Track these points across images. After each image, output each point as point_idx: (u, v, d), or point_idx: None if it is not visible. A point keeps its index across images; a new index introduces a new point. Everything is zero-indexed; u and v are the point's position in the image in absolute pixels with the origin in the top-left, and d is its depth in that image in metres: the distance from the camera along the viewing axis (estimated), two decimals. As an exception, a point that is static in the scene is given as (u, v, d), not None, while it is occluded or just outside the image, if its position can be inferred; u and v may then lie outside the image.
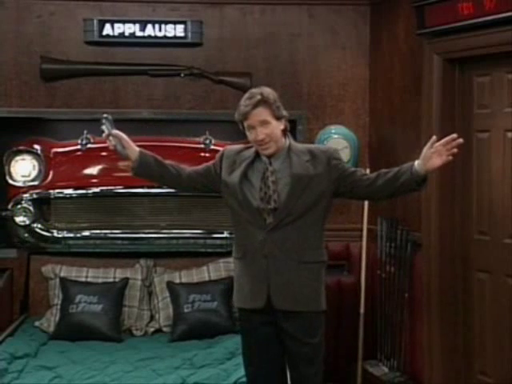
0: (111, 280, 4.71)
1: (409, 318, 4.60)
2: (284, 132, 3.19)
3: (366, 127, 5.16)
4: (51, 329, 4.57)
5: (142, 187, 4.75)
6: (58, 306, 4.61)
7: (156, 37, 4.97)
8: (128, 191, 4.78)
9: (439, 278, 4.37)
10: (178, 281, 4.72)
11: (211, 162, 3.35)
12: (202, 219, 4.88)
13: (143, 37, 4.96)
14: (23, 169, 4.75)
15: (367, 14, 5.12)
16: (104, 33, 4.93)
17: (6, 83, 4.95)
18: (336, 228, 5.00)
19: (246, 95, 3.16)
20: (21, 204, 4.72)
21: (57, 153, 4.90)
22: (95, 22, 4.93)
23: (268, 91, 3.15)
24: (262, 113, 3.11)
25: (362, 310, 4.87)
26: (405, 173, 3.10)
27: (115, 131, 3.18)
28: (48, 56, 4.95)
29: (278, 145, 3.16)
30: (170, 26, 4.97)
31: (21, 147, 4.77)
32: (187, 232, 4.87)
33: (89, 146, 4.87)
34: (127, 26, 4.95)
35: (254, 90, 3.18)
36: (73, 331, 4.46)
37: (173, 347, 4.32)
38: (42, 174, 4.76)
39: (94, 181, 4.83)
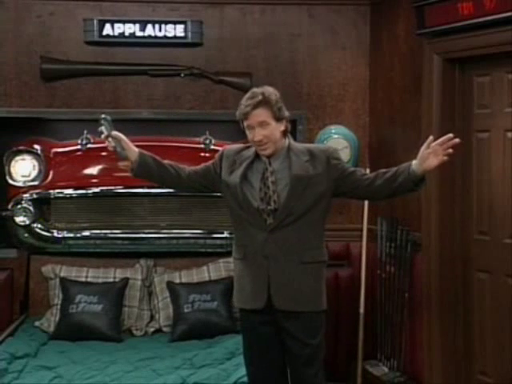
0: (111, 280, 4.71)
1: (409, 317, 4.60)
2: (284, 133, 3.19)
3: (366, 127, 5.16)
4: (51, 329, 4.57)
5: (142, 187, 4.75)
6: (58, 306, 4.61)
7: (156, 37, 4.97)
8: (128, 191, 4.78)
9: (439, 277, 4.37)
10: (178, 281, 4.72)
11: (210, 162, 3.35)
12: (202, 219, 4.88)
13: (143, 37, 4.96)
14: (23, 169, 4.75)
15: (367, 14, 5.12)
16: (104, 33, 4.93)
17: (6, 83, 4.95)
18: (336, 228, 5.00)
19: (248, 95, 3.15)
20: (21, 204, 4.72)
21: (57, 153, 4.90)
22: (95, 22, 4.93)
23: (270, 91, 3.14)
24: (262, 114, 3.11)
25: (361, 310, 4.87)
26: (402, 173, 3.11)
27: (114, 132, 3.17)
28: (48, 56, 4.95)
29: (276, 146, 3.16)
30: (170, 26, 4.97)
31: (21, 147, 4.77)
32: (187, 232, 4.87)
33: (89, 145, 4.87)
34: (127, 26, 4.95)
35: (255, 90, 3.17)
36: (73, 331, 4.46)
37: (173, 347, 4.32)
38: (42, 174, 4.76)
39: (94, 181, 4.83)
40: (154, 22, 4.96)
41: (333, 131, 5.00)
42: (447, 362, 4.37)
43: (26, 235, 4.81)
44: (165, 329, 4.64)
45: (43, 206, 4.80)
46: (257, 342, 3.26)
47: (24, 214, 4.72)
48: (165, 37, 4.97)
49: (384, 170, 3.18)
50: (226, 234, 4.82)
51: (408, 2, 4.44)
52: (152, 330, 4.67)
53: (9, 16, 4.94)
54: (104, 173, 4.85)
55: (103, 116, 3.16)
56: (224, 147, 3.40)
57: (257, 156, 3.21)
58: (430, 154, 3.04)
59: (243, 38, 5.08)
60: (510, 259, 4.03)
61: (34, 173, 4.76)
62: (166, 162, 3.32)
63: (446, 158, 3.04)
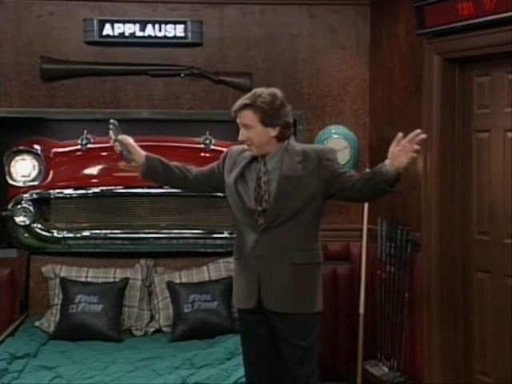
0: (111, 280, 4.71)
1: (409, 317, 4.60)
2: (278, 137, 3.16)
3: (366, 127, 5.16)
4: (51, 329, 4.57)
5: (141, 187, 4.75)
6: (58, 306, 4.61)
7: (156, 37, 4.97)
8: (128, 191, 4.78)
9: (439, 278, 4.37)
10: (178, 281, 4.72)
11: (216, 163, 3.37)
12: (202, 219, 4.88)
13: (143, 37, 4.96)
14: (23, 169, 4.75)
15: (367, 14, 5.12)
16: (104, 33, 4.93)
17: (6, 83, 4.95)
18: (336, 228, 5.02)
19: (248, 93, 3.18)
20: (21, 204, 4.72)
21: (57, 153, 4.90)
22: (95, 22, 4.92)
23: (265, 96, 3.12)
24: (247, 116, 3.12)
25: (361, 310, 4.87)
26: (377, 173, 3.05)
27: (121, 136, 3.22)
28: (48, 56, 4.95)
29: (262, 149, 3.15)
30: (169, 26, 4.97)
31: (21, 147, 4.77)
32: (187, 232, 4.87)
33: (89, 146, 4.88)
34: (127, 26, 4.94)
35: (255, 90, 3.18)
36: (73, 331, 4.46)
37: (173, 347, 4.33)
38: (42, 174, 4.76)
39: (94, 181, 4.83)
40: (154, 22, 4.96)
41: (333, 131, 5.00)
42: (447, 362, 4.37)
43: (26, 235, 4.81)
44: (165, 329, 4.64)
45: (43, 206, 4.80)
46: (253, 342, 3.28)
47: (24, 214, 4.72)
48: (165, 37, 4.97)
49: (368, 171, 3.16)
50: (225, 234, 4.82)
51: (408, 2, 4.44)
52: (152, 330, 4.67)
53: (9, 16, 4.94)
54: (104, 173, 4.85)
55: (111, 121, 3.22)
56: (229, 148, 3.39)
57: (254, 157, 3.22)
58: (401, 152, 2.97)
59: (243, 38, 5.08)
60: (510, 259, 4.03)
61: (34, 173, 4.76)
62: (173, 163, 3.34)
63: (414, 154, 2.97)
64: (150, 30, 4.95)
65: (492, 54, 3.97)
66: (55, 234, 4.81)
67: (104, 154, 4.92)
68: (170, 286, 4.66)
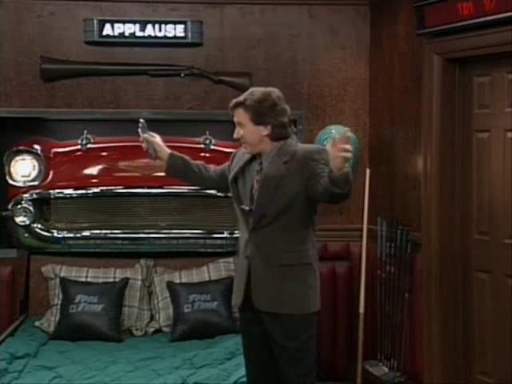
0: (111, 280, 4.71)
1: (409, 318, 4.60)
2: (270, 136, 3.15)
3: (366, 127, 5.16)
4: (51, 329, 4.57)
5: (142, 187, 4.76)
6: (58, 306, 4.61)
7: (156, 37, 4.96)
8: (128, 191, 4.78)
9: (439, 278, 4.37)
10: (178, 281, 4.72)
11: (227, 163, 3.42)
12: (202, 219, 4.88)
13: (143, 37, 4.96)
14: (23, 169, 4.75)
15: (367, 14, 5.12)
16: (104, 33, 4.92)
17: (6, 83, 4.94)
18: (336, 228, 5.03)
19: (246, 92, 3.22)
20: (21, 204, 4.72)
21: (57, 153, 4.90)
22: (95, 21, 4.92)
23: (257, 95, 3.14)
24: (240, 115, 3.17)
25: (361, 310, 4.87)
26: (328, 178, 2.93)
27: (146, 136, 3.39)
28: (48, 56, 4.95)
29: (255, 148, 3.18)
30: (169, 26, 4.96)
31: (21, 147, 4.77)
32: (187, 232, 4.87)
33: (89, 146, 4.88)
34: (127, 26, 4.94)
35: (252, 89, 3.21)
36: (73, 331, 4.46)
37: (173, 347, 4.33)
38: (42, 174, 4.76)
39: (94, 181, 4.83)
40: (154, 22, 4.96)
41: (333, 131, 5.00)
42: (447, 361, 4.37)
43: (26, 235, 4.81)
44: (165, 329, 4.64)
45: (43, 206, 4.80)
46: (251, 342, 3.29)
47: (24, 214, 4.72)
48: (165, 37, 4.97)
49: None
50: (226, 234, 4.82)
51: (408, 2, 4.44)
52: (152, 330, 4.67)
53: (9, 16, 4.94)
54: (104, 173, 4.85)
55: (141, 120, 3.42)
56: (238, 149, 3.39)
57: (253, 155, 3.24)
58: (335, 153, 2.83)
59: (243, 38, 5.08)
60: (510, 259, 4.03)
61: (34, 173, 4.76)
62: (195, 162, 3.47)
63: (347, 154, 2.79)
64: (149, 30, 4.95)
65: (492, 54, 3.98)
66: (55, 234, 4.81)
67: (104, 153, 4.93)
68: (170, 286, 4.66)
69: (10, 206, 4.74)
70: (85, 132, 4.89)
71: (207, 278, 4.75)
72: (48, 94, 4.98)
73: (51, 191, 4.75)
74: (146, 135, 3.39)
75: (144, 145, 3.41)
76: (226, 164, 3.42)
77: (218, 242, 4.87)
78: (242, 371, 3.57)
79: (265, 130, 3.15)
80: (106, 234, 4.83)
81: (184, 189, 4.71)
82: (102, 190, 4.77)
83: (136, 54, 5.02)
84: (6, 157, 4.74)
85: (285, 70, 5.10)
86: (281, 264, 3.14)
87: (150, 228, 4.86)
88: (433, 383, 4.39)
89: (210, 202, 4.74)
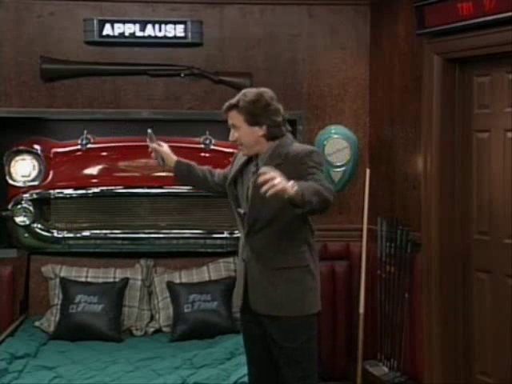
0: (111, 280, 4.71)
1: (409, 317, 4.60)
2: (266, 136, 3.14)
3: (366, 127, 5.16)
4: (51, 329, 4.57)
5: (142, 187, 4.76)
6: (58, 306, 4.61)
7: (156, 37, 4.96)
8: (128, 191, 4.78)
9: (439, 278, 4.37)
10: (178, 281, 4.72)
11: (229, 167, 3.42)
12: (202, 219, 4.88)
13: (143, 37, 4.96)
14: (23, 169, 4.75)
15: (367, 14, 5.12)
16: (104, 33, 4.92)
17: (6, 83, 4.94)
18: (336, 228, 5.02)
19: (238, 94, 3.21)
20: (21, 204, 4.72)
21: (57, 153, 4.90)
22: (95, 21, 4.92)
23: (250, 96, 3.12)
24: (234, 117, 3.16)
25: (361, 310, 4.87)
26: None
27: (155, 145, 3.43)
28: (48, 56, 4.94)
29: (251, 149, 3.17)
30: (169, 26, 4.96)
31: (21, 147, 4.77)
32: (187, 232, 4.87)
33: (89, 146, 4.88)
34: (127, 26, 4.94)
35: (244, 91, 3.20)
36: (73, 331, 4.47)
37: (173, 347, 4.33)
38: (42, 174, 4.76)
39: (94, 181, 4.83)
40: (154, 22, 4.95)
41: (333, 131, 5.00)
42: (447, 361, 4.37)
43: (26, 235, 4.81)
44: (165, 329, 4.64)
45: (43, 206, 4.80)
46: (252, 342, 3.28)
47: (24, 214, 4.72)
48: (165, 37, 4.97)
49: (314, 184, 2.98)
50: (226, 234, 4.82)
51: (408, 2, 4.44)
52: (152, 330, 4.67)
53: (9, 16, 4.93)
54: (104, 173, 4.85)
55: (148, 130, 3.46)
56: (238, 151, 3.38)
57: (250, 157, 3.23)
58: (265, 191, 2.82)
59: (243, 38, 5.08)
60: (510, 259, 4.03)
61: (34, 173, 4.76)
62: (200, 167, 3.48)
63: (277, 187, 2.74)
64: (149, 30, 4.95)
65: (492, 54, 3.98)
66: (55, 234, 4.81)
67: (104, 153, 4.93)
68: (170, 286, 4.66)
69: (10, 206, 4.74)
70: (85, 132, 4.89)
71: (207, 278, 4.75)
72: (48, 94, 4.98)
73: (51, 191, 4.75)
74: (154, 145, 3.44)
75: (153, 154, 3.46)
76: (228, 168, 3.42)
77: (218, 242, 4.87)
78: (242, 371, 3.58)
79: (260, 131, 3.14)
80: (106, 234, 4.83)
81: (184, 189, 4.71)
82: (101, 190, 4.77)
83: (136, 54, 5.02)
84: (5, 157, 4.75)
85: (285, 70, 5.10)
86: (276, 267, 3.12)
87: (150, 228, 4.86)
88: (433, 383, 4.39)
89: (210, 202, 4.73)
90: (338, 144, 4.95)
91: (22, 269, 4.94)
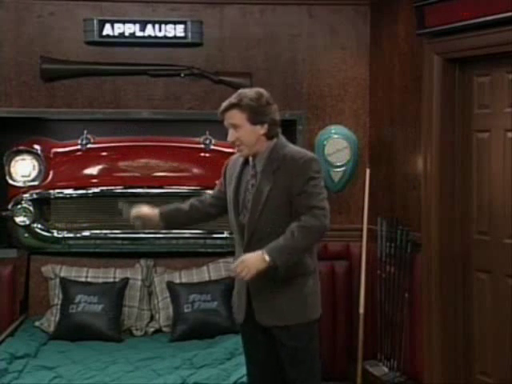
0: (111, 280, 4.71)
1: (409, 317, 4.60)
2: (267, 135, 3.14)
3: (366, 127, 5.16)
4: (51, 329, 4.57)
5: (142, 187, 4.75)
6: (58, 306, 4.62)
7: (156, 37, 4.96)
8: (128, 191, 4.78)
9: (439, 278, 4.37)
10: (178, 281, 4.72)
11: (218, 182, 3.38)
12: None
13: (143, 37, 4.96)
14: (23, 169, 4.75)
15: (367, 14, 5.12)
16: (104, 33, 4.92)
17: (6, 83, 4.94)
18: (336, 228, 4.98)
19: (233, 95, 3.16)
20: (21, 204, 4.72)
21: (57, 153, 4.90)
22: (95, 21, 4.92)
23: (250, 94, 3.11)
24: (234, 116, 3.10)
25: (361, 310, 4.87)
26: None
27: (133, 215, 3.40)
28: (48, 56, 4.94)
29: (252, 149, 3.13)
30: (169, 26, 4.96)
31: (21, 147, 4.77)
32: (187, 232, 4.86)
33: (89, 146, 4.88)
34: (127, 26, 4.94)
35: (240, 91, 3.17)
36: (73, 331, 4.47)
37: (173, 347, 4.33)
38: (42, 174, 4.76)
39: (94, 181, 4.83)
40: (154, 22, 4.95)
41: (333, 131, 5.00)
42: (447, 362, 4.37)
43: (26, 235, 4.81)
44: (165, 329, 4.64)
45: (43, 206, 4.80)
46: (251, 342, 3.28)
47: (24, 214, 4.72)
48: (165, 37, 4.97)
49: (292, 225, 3.03)
50: (226, 234, 4.81)
51: (408, 2, 4.44)
52: (152, 330, 4.67)
53: (9, 16, 4.93)
54: (104, 173, 4.85)
55: (119, 206, 3.49)
56: (227, 160, 3.37)
57: (246, 160, 3.20)
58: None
59: (243, 38, 5.08)
60: (510, 259, 4.03)
61: (34, 173, 4.76)
62: (188, 203, 3.41)
63: (244, 272, 2.98)
64: (149, 30, 4.95)
65: (492, 54, 3.97)
66: (55, 234, 4.81)
67: (104, 153, 4.93)
68: (170, 286, 4.66)
69: (10, 206, 4.74)
70: (85, 132, 4.89)
71: (207, 278, 4.75)
72: (48, 94, 4.98)
73: (51, 191, 4.76)
74: (132, 216, 3.39)
75: (133, 223, 3.42)
76: (218, 183, 3.38)
77: (218, 242, 4.87)
78: (242, 371, 3.57)
79: (262, 129, 3.12)
80: (106, 234, 4.83)
81: (184, 189, 4.71)
82: (101, 190, 4.77)
83: (136, 54, 5.02)
84: (6, 157, 4.75)
85: (285, 70, 5.10)
86: (279, 278, 3.07)
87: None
88: (433, 383, 4.39)
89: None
90: (337, 144, 4.94)
91: (22, 269, 4.94)
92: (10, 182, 4.75)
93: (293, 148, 3.22)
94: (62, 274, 4.73)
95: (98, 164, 4.89)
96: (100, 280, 4.72)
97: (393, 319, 4.72)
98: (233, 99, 3.12)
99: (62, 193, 4.76)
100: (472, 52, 4.09)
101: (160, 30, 4.96)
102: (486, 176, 4.20)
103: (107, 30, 4.93)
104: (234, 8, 5.07)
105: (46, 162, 4.79)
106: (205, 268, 4.80)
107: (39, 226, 4.79)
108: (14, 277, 4.94)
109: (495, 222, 4.15)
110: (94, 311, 4.49)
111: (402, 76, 4.72)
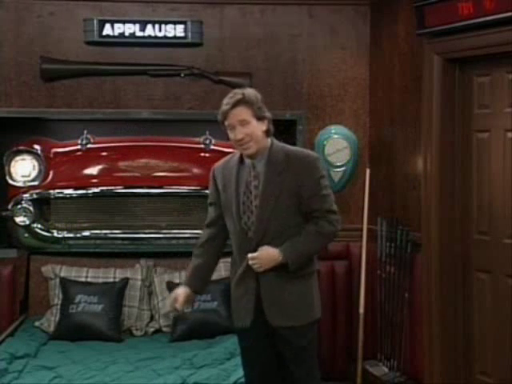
0: (111, 280, 4.71)
1: (409, 317, 4.60)
2: (267, 133, 3.15)
3: (366, 127, 5.16)
4: (51, 329, 4.57)
5: (141, 187, 4.76)
6: (58, 306, 4.62)
7: (156, 37, 4.96)
8: (128, 191, 4.78)
9: (439, 277, 4.37)
10: (177, 281, 4.71)
11: (209, 200, 3.34)
12: (202, 219, 4.84)
13: (143, 37, 4.96)
14: (23, 169, 4.75)
15: (367, 14, 5.12)
16: (104, 33, 4.92)
17: (6, 83, 4.94)
18: (336, 228, 5.01)
19: (229, 95, 3.14)
20: (21, 204, 4.72)
21: (57, 153, 4.90)
22: (95, 21, 4.92)
23: (250, 91, 3.13)
24: (242, 112, 3.08)
25: (361, 310, 4.87)
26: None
27: (170, 308, 3.50)
28: (48, 56, 4.95)
29: (259, 145, 3.10)
30: (169, 26, 4.96)
31: (21, 147, 4.77)
32: (187, 232, 4.86)
33: (89, 146, 4.88)
34: (127, 26, 4.94)
35: (236, 90, 3.16)
36: (73, 331, 4.47)
37: (173, 347, 4.33)
38: (42, 174, 4.76)
39: (94, 181, 4.83)
40: (154, 22, 4.96)
41: (333, 131, 5.00)
42: (447, 362, 4.37)
43: (26, 235, 4.81)
44: (165, 329, 4.64)
45: (43, 206, 4.80)
46: (255, 347, 3.26)
47: (24, 214, 4.72)
48: (165, 37, 4.97)
49: (309, 229, 3.12)
50: (225, 234, 4.81)
51: (408, 2, 4.44)
52: (152, 330, 4.67)
53: (9, 16, 4.93)
54: (104, 173, 4.85)
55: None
56: (212, 168, 3.33)
57: (241, 162, 3.18)
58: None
59: (243, 38, 5.08)
60: (510, 259, 4.03)
61: (34, 173, 4.76)
62: (199, 254, 3.40)
63: (259, 269, 3.09)
64: (149, 30, 4.95)
65: (492, 54, 3.97)
66: (55, 234, 4.81)
67: (104, 153, 4.93)
68: (170, 286, 4.66)
69: (10, 206, 4.74)
70: (85, 132, 4.89)
71: (207, 278, 4.74)
72: (48, 94, 4.98)
73: (51, 191, 4.75)
74: (182, 309, 3.47)
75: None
76: (209, 202, 3.34)
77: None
78: (242, 371, 3.57)
79: (264, 126, 3.12)
80: (106, 234, 4.83)
81: (184, 189, 4.71)
82: (102, 190, 4.77)
83: (136, 54, 5.02)
84: (6, 157, 4.75)
85: (285, 70, 5.10)
86: (292, 276, 3.10)
87: (150, 228, 4.86)
88: (433, 383, 4.39)
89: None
90: (337, 144, 4.94)
91: (22, 269, 4.94)
92: (10, 181, 4.75)
93: (290, 147, 3.24)
94: (62, 274, 4.73)
95: (98, 164, 4.89)
96: (100, 280, 4.72)
97: (393, 319, 4.72)
98: (238, 96, 3.08)
99: (62, 193, 4.76)
100: (472, 52, 4.09)
101: (160, 30, 4.96)
102: (485, 176, 4.20)
103: (107, 30, 4.93)
104: (234, 8, 5.07)
105: (46, 162, 4.79)
106: (205, 268, 4.80)
107: (39, 226, 4.79)
108: (14, 277, 4.94)
109: (495, 222, 4.15)
110: (94, 311, 4.50)
111: (401, 76, 4.72)
